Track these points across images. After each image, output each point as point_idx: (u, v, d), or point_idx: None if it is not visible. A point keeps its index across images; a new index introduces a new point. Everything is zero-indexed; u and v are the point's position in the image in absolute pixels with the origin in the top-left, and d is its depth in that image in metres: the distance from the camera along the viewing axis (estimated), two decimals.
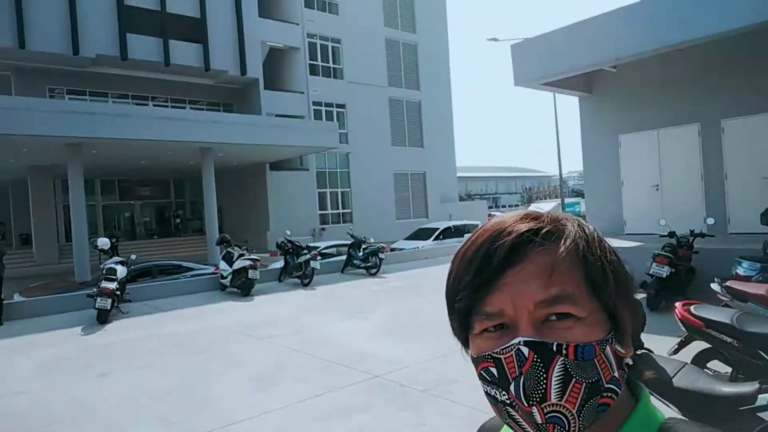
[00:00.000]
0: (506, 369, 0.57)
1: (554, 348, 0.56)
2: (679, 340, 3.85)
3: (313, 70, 26.78)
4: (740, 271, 6.06)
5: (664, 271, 6.91)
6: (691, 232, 7.58)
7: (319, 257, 12.64)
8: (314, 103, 26.42)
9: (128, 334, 8.32)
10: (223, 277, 11.86)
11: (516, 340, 0.57)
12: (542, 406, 0.56)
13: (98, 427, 4.73)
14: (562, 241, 0.60)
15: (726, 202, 9.70)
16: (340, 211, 27.62)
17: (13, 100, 16.06)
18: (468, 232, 19.52)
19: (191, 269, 13.65)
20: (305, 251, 12.45)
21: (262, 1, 24.97)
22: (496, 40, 24.36)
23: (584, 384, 0.56)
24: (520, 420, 0.58)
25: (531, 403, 0.56)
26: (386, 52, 29.53)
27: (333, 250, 15.80)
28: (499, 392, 0.58)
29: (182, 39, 21.96)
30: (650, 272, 6.98)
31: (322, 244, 15.27)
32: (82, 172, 16.41)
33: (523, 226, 0.61)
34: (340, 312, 9.10)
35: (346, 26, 27.72)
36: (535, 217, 0.63)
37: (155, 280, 12.79)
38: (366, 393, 5.05)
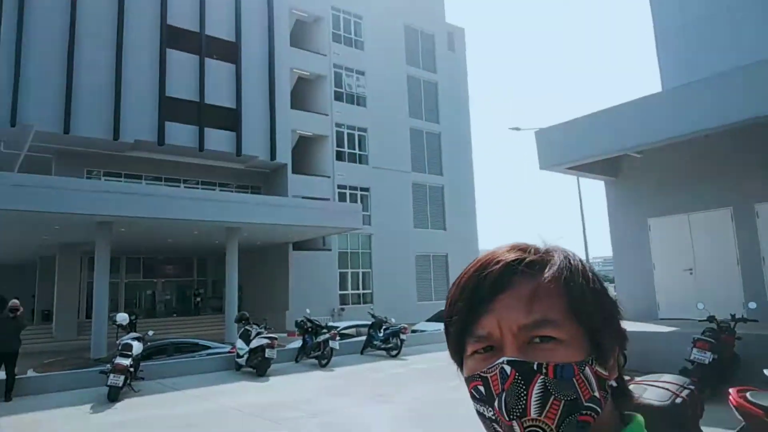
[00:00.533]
0: (491, 386, 0.61)
1: (535, 367, 0.60)
2: (735, 430, 3.48)
3: (340, 156, 27.64)
4: None
5: (707, 357, 6.44)
6: (732, 316, 7.15)
7: (338, 337, 12.27)
8: (339, 187, 27.00)
9: (138, 413, 7.98)
10: (239, 356, 11.51)
11: (500, 360, 0.61)
12: (522, 420, 0.59)
13: None
14: (547, 269, 0.66)
15: (765, 287, 9.24)
16: (361, 291, 27.30)
17: (50, 180, 16.75)
18: None
19: (207, 347, 13.35)
20: (324, 330, 12.12)
21: (294, 93, 26.43)
22: (518, 129, 24.95)
23: (563, 401, 0.59)
24: None
25: (512, 417, 0.59)
26: (410, 140, 30.48)
27: (353, 331, 15.38)
28: (486, 409, 0.62)
29: (217, 127, 23.09)
30: (691, 358, 6.51)
31: (341, 324, 14.89)
32: (109, 249, 16.71)
33: (511, 256, 0.67)
34: (360, 395, 8.64)
35: (373, 116, 28.90)
36: (523, 248, 0.69)
37: (171, 357, 12.50)
38: None
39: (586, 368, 0.61)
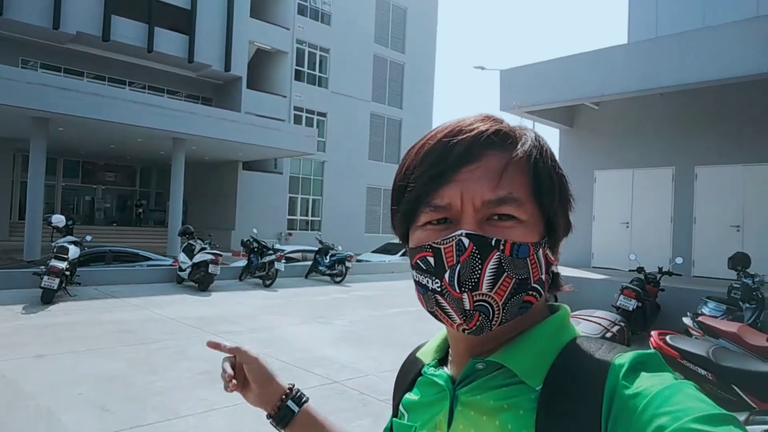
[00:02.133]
0: (444, 258, 0.59)
1: (492, 243, 0.58)
2: None
3: (299, 76, 26.61)
4: (706, 310, 6.10)
5: (632, 304, 6.90)
6: (659, 269, 7.63)
7: (284, 259, 12.32)
8: (296, 108, 26.20)
9: (72, 317, 7.84)
10: (181, 270, 11.40)
11: (458, 232, 0.59)
12: (473, 294, 0.58)
13: (27, 409, 4.34)
14: (519, 146, 0.62)
15: (692, 246, 9.87)
16: (310, 218, 27.27)
17: None
18: None
19: (148, 259, 13.12)
20: (271, 252, 12.11)
21: (255, 1, 24.81)
22: (482, 68, 24.61)
23: (514, 279, 0.59)
24: (447, 307, 0.60)
25: (463, 290, 0.58)
26: (373, 67, 29.63)
27: (299, 255, 15.47)
28: (432, 280, 0.61)
29: (168, 28, 21.61)
30: (617, 304, 6.96)
31: (288, 248, 14.92)
32: (45, 149, 15.72)
33: (483, 126, 0.63)
34: (301, 315, 8.80)
35: (337, 37, 27.74)
36: (495, 119, 0.65)
37: (109, 266, 12.22)
38: (323, 398, 4.79)
39: (540, 250, 0.61)
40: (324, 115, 27.43)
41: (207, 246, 11.56)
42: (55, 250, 9.35)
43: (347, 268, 13.15)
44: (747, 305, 6.09)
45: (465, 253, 0.58)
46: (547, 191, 0.63)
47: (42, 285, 8.70)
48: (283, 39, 25.73)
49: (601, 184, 11.32)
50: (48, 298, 8.72)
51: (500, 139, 0.62)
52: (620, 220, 10.88)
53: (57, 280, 8.78)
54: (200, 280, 10.97)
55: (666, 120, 10.37)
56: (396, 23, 31.03)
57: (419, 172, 0.62)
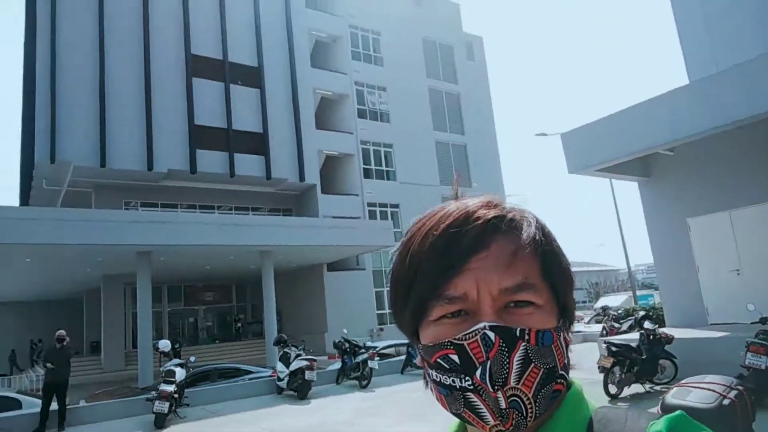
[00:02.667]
0: (471, 354, 0.57)
1: (518, 333, 0.57)
2: None
3: (367, 174, 27.82)
4: None
5: (763, 361, 6.13)
6: None
7: (377, 357, 12.22)
8: (369, 204, 27.12)
9: None
10: (279, 380, 11.58)
11: (481, 325, 0.56)
12: (505, 390, 0.56)
13: None
14: (524, 230, 0.62)
15: None
16: None
17: (90, 213, 17.34)
18: None
19: (249, 372, 13.48)
20: (363, 351, 12.08)
21: (318, 114, 26.81)
22: (544, 134, 24.66)
23: (542, 369, 0.57)
24: (480, 406, 0.57)
25: (496, 387, 0.55)
26: (436, 153, 30.46)
27: (392, 350, 15.28)
28: (461, 379, 0.57)
29: (246, 152, 23.57)
30: (746, 363, 6.22)
31: (380, 344, 14.81)
32: (150, 279, 17.12)
33: (491, 213, 0.62)
34: (400, 415, 8.55)
35: (397, 132, 29.06)
36: (497, 204, 0.65)
37: (214, 384, 12.66)
38: None
39: (561, 334, 0.60)
40: (396, 206, 28.14)
41: (302, 352, 11.74)
42: (163, 375, 9.87)
43: None
44: None
45: (493, 349, 0.56)
46: (558, 272, 0.62)
47: (154, 410, 9.12)
48: (349, 143, 27.27)
49: (697, 232, 10.54)
50: (160, 422, 9.09)
51: (506, 225, 0.61)
52: (729, 268, 9.95)
53: (167, 404, 9.18)
54: (298, 388, 11.05)
55: (751, 152, 9.70)
56: (451, 107, 32.12)
57: (428, 264, 0.60)
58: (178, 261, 19.37)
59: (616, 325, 14.07)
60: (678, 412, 0.56)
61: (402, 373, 13.36)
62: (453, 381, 0.58)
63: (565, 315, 0.63)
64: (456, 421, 0.71)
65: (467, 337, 0.57)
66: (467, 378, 0.57)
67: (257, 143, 23.90)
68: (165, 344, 11.37)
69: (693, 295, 10.38)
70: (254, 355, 22.25)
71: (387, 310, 26.67)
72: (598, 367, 7.71)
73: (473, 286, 0.58)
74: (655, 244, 11.31)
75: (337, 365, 13.01)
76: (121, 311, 22.95)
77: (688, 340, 8.14)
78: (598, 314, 19.51)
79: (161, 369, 10.39)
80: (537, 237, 0.62)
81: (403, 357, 13.69)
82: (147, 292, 16.89)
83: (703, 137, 9.09)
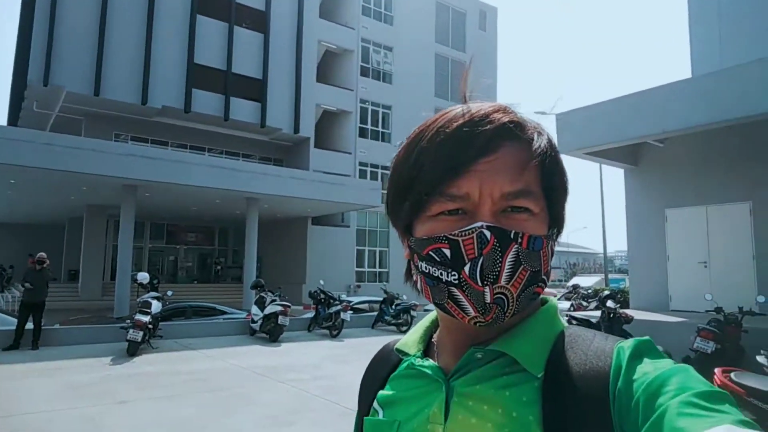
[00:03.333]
0: (464, 250, 0.59)
1: (512, 236, 0.59)
2: None
3: (362, 133, 27.70)
4: None
5: (710, 346, 6.47)
6: (740, 309, 7.14)
7: (350, 309, 12.54)
8: (360, 164, 27.14)
9: (153, 367, 8.36)
10: (253, 322, 11.88)
11: (479, 224, 0.58)
12: (494, 287, 0.58)
13: None
14: (536, 140, 0.63)
15: None
16: (377, 269, 27.59)
17: (80, 141, 17.18)
18: None
19: (225, 312, 13.76)
20: (337, 302, 12.39)
21: (320, 67, 26.45)
22: (543, 113, 24.59)
23: (529, 271, 0.60)
24: (463, 300, 0.59)
25: (485, 283, 0.58)
26: None
27: (365, 306, 15.66)
28: (448, 272, 0.60)
29: (243, 97, 23.33)
30: (693, 347, 6.56)
31: (354, 299, 15.15)
32: (134, 214, 17.16)
33: (504, 118, 0.62)
34: (365, 364, 8.87)
35: (398, 94, 28.81)
36: (511, 111, 0.65)
37: (189, 320, 12.93)
38: None
39: (550, 243, 0.63)
40: (387, 168, 28.05)
41: (277, 298, 12.02)
42: (139, 305, 10.09)
43: (412, 317, 13.16)
44: None
45: (487, 246, 0.58)
46: (557, 184, 0.64)
47: (127, 338, 9.36)
48: (348, 100, 27.05)
49: (673, 223, 10.83)
50: (133, 350, 9.34)
51: (519, 131, 0.63)
52: (697, 260, 10.28)
53: (141, 333, 9.42)
54: (271, 331, 11.36)
55: (736, 153, 9.90)
56: (456, 75, 31.81)
57: (435, 161, 0.61)
58: (163, 199, 19.39)
59: (584, 303, 14.49)
60: (646, 337, 0.60)
61: (372, 327, 13.74)
62: (441, 274, 0.60)
63: (556, 225, 0.66)
64: (430, 316, 0.77)
65: (464, 233, 0.59)
66: (454, 273, 0.59)
67: (255, 89, 23.63)
68: (144, 276, 11.56)
69: (659, 281, 10.75)
70: (231, 298, 22.56)
71: (366, 268, 27.09)
72: None
73: (476, 188, 0.60)
74: (632, 229, 11.60)
75: (311, 314, 13.35)
76: (102, 242, 23.03)
77: (646, 322, 8.49)
78: (569, 291, 20.02)
79: (138, 300, 10.60)
80: (545, 148, 0.63)
81: (376, 313, 14.05)
82: (130, 226, 16.95)
83: (693, 132, 9.24)
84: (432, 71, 30.49)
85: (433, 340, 0.74)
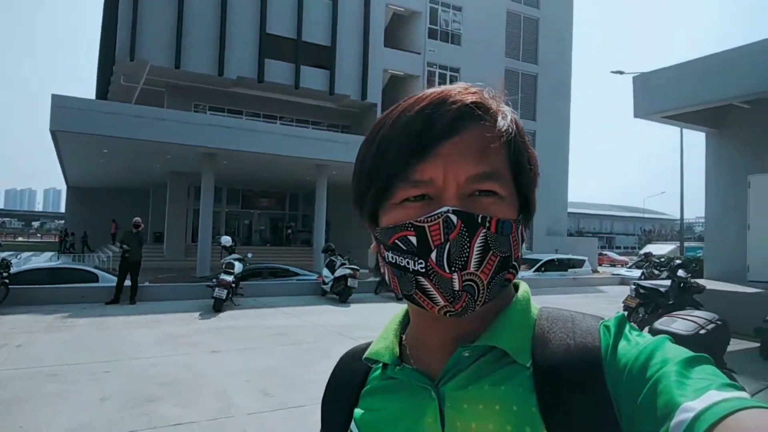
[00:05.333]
0: (430, 237, 0.57)
1: (479, 220, 0.57)
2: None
3: None
4: None
5: None
6: None
7: None
8: None
9: (238, 322, 9.15)
10: (324, 283, 12.56)
11: (444, 209, 0.56)
12: (462, 273, 0.56)
13: (208, 390, 5.33)
14: (500, 120, 0.61)
15: None
16: None
17: (165, 113, 18.36)
18: (573, 267, 18.78)
19: (297, 274, 14.58)
20: None
21: (388, 31, 26.32)
22: (621, 72, 23.47)
23: (499, 257, 0.58)
24: (431, 289, 0.57)
25: (453, 270, 0.56)
26: (506, 80, 29.37)
27: None
28: (415, 261, 0.58)
29: (312, 65, 23.76)
30: (766, 318, 6.41)
31: None
32: (213, 179, 18.25)
33: (468, 98, 0.60)
34: None
35: (467, 56, 28.18)
36: (475, 90, 0.63)
37: (266, 280, 13.84)
38: None
39: (520, 227, 0.61)
40: None
41: (346, 262, 12.60)
42: (223, 266, 10.94)
43: None
44: None
45: (454, 232, 0.56)
46: (525, 168, 0.62)
47: (214, 295, 10.25)
48: (415, 63, 26.88)
49: (756, 191, 10.27)
50: (218, 306, 10.22)
51: (482, 112, 0.60)
52: None
53: (225, 291, 10.28)
54: (341, 293, 11.99)
55: None
56: (528, 34, 30.65)
57: (397, 146, 0.59)
58: (239, 166, 20.41)
59: (656, 271, 14.11)
60: (619, 313, 0.62)
61: None
62: (407, 263, 0.58)
63: (526, 209, 0.64)
64: (401, 309, 0.74)
65: (429, 219, 0.57)
66: (421, 261, 0.57)
67: (324, 57, 23.99)
68: (227, 240, 12.45)
69: (737, 251, 10.30)
70: (301, 260, 23.60)
71: None
72: (623, 306, 8.03)
73: (440, 172, 0.58)
74: (711, 195, 11.12)
75: (378, 278, 13.83)
76: (184, 207, 24.63)
77: (719, 292, 8.27)
78: (640, 260, 19.43)
79: (221, 261, 11.49)
80: (510, 129, 0.61)
81: None
82: (210, 191, 18.07)
83: None
84: (503, 30, 29.56)
85: (404, 342, 0.70)
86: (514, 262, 0.60)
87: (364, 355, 0.70)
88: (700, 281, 8.95)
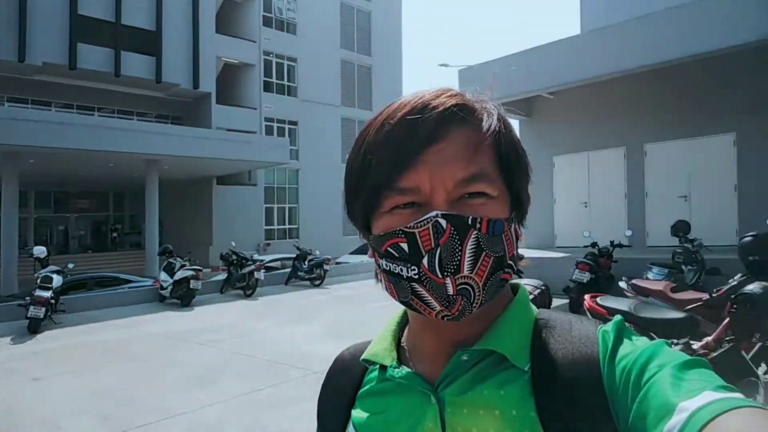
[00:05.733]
0: (420, 242, 0.56)
1: (469, 222, 0.56)
2: None
3: (267, 87, 26.89)
4: (650, 275, 6.65)
5: (585, 276, 7.46)
6: (611, 243, 8.19)
7: (263, 269, 12.66)
8: (266, 119, 26.48)
9: (60, 342, 8.12)
10: (162, 288, 11.68)
11: (433, 213, 0.56)
12: (455, 277, 0.56)
13: (35, 423, 4.66)
14: (485, 120, 0.60)
15: (645, 219, 10.52)
16: (287, 226, 27.55)
17: None
18: None
19: (129, 281, 13.35)
20: (250, 263, 12.45)
21: (219, 17, 25.04)
22: (446, 65, 25.38)
23: (492, 258, 0.57)
24: (426, 295, 0.57)
25: (446, 274, 0.56)
26: (341, 72, 30.03)
27: (278, 264, 15.80)
28: (408, 268, 0.57)
29: (135, 50, 21.67)
30: (573, 278, 7.50)
31: (267, 257, 15.25)
32: (17, 182, 15.81)
33: (450, 101, 0.60)
34: (282, 318, 9.19)
35: (303, 46, 28.06)
36: (456, 93, 0.62)
37: (92, 292, 12.43)
38: (305, 387, 5.20)
39: (512, 225, 0.61)
40: (295, 123, 27.75)
41: (187, 263, 11.86)
42: (39, 281, 9.57)
43: (325, 271, 13.54)
44: (688, 267, 6.66)
45: (444, 236, 0.55)
46: (514, 166, 0.62)
47: (28, 315, 8.92)
48: (250, 52, 25.97)
49: (559, 169, 11.93)
50: (35, 327, 8.93)
51: (466, 113, 0.60)
52: (579, 201, 11.50)
53: (43, 309, 9.01)
54: (182, 296, 11.26)
55: (616, 104, 10.99)
56: (361, 27, 31.46)
57: (382, 155, 0.59)
58: (50, 164, 17.91)
59: None
60: (617, 317, 0.61)
61: (287, 284, 13.99)
62: (401, 270, 0.58)
63: (518, 207, 0.64)
64: (399, 310, 0.72)
65: (419, 225, 0.56)
66: (414, 267, 0.57)
67: (148, 42, 21.99)
68: (40, 250, 10.90)
69: (547, 222, 11.93)
70: (131, 266, 21.67)
71: (275, 226, 26.98)
72: None
73: (426, 179, 0.57)
74: None
75: (222, 277, 13.30)
76: None
77: (536, 259, 9.51)
78: None
79: (36, 275, 10.03)
80: (496, 128, 0.60)
81: (289, 270, 14.27)
82: (14, 196, 15.62)
83: (578, 86, 10.19)
84: (337, 20, 29.89)
85: (402, 344, 0.70)
86: (510, 261, 0.60)
87: (362, 357, 0.70)
88: (520, 251, 10.12)
